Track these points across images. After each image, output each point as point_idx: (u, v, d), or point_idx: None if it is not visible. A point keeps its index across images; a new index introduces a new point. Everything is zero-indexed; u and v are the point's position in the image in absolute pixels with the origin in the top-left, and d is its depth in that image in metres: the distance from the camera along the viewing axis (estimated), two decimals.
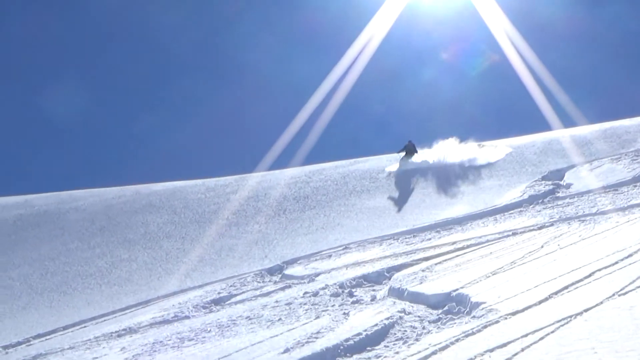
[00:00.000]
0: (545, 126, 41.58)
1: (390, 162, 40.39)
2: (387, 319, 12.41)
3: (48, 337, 18.85)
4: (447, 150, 37.04)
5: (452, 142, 38.25)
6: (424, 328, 11.73)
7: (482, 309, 11.92)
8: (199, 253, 27.47)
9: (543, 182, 29.75)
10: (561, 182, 29.31)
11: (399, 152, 39.06)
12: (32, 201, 43.41)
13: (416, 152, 37.96)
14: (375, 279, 17.60)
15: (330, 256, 22.67)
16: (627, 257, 14.08)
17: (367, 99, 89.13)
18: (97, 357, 14.52)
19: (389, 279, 17.00)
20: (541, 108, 41.07)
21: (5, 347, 18.27)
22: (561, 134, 40.33)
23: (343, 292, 16.37)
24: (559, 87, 45.28)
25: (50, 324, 20.43)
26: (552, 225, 20.89)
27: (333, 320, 13.23)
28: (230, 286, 20.24)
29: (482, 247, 19.19)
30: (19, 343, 18.54)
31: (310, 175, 39.96)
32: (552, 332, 9.97)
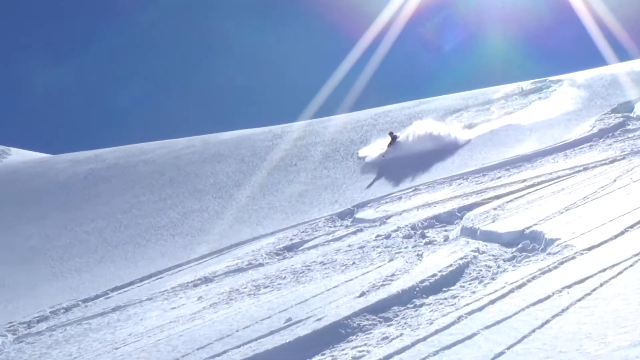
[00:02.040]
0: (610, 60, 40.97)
1: (456, 101, 40.06)
2: (461, 259, 12.33)
3: (125, 289, 19.19)
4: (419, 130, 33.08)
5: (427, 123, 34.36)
6: (499, 267, 11.64)
7: (557, 245, 11.78)
8: (269, 200, 27.61)
9: (612, 115, 29.01)
10: (631, 115, 28.58)
11: (388, 145, 32.79)
12: (102, 155, 44.04)
13: (397, 137, 32.97)
14: (446, 219, 17.46)
15: (400, 198, 22.58)
16: None
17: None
18: (175, 307, 14.75)
19: (461, 219, 16.86)
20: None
21: (85, 301, 18.65)
22: (629, 67, 39.42)
23: (415, 233, 16.29)
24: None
25: (127, 276, 20.78)
26: (623, 158, 20.44)
27: (407, 262, 13.20)
28: (302, 232, 20.31)
29: (553, 183, 18.90)
30: (98, 296, 18.92)
31: (377, 118, 39.78)
32: (630, 266, 9.83)
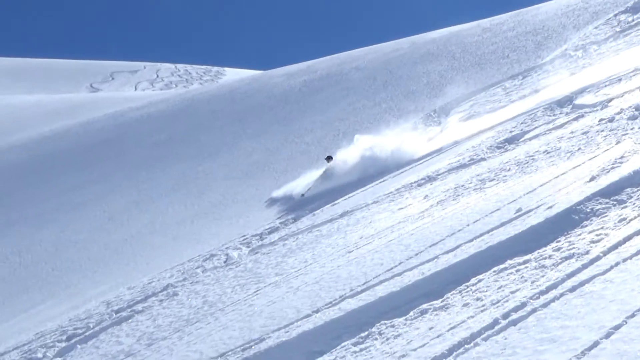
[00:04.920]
0: None
1: None
2: None
3: (351, 194, 19.61)
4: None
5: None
6: None
7: None
8: (484, 95, 27.25)
9: None
10: None
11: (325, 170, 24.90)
12: (314, 66, 44.69)
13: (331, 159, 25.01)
14: None
15: (619, 80, 21.70)
16: None
17: None
18: (402, 208, 14.96)
19: None
20: None
21: (312, 210, 19.27)
22: None
23: None
24: None
25: (353, 182, 21.24)
26: None
27: (635, 143, 12.75)
28: (521, 123, 19.94)
29: None
30: (326, 202, 19.49)
31: (587, 1, 38.13)
32: None
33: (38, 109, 60.11)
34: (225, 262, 16.24)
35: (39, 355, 13.64)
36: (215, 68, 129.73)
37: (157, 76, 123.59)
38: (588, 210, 9.83)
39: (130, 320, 13.83)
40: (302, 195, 22.70)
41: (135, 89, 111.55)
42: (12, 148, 45.89)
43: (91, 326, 14.32)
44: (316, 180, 23.59)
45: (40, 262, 26.27)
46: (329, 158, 24.75)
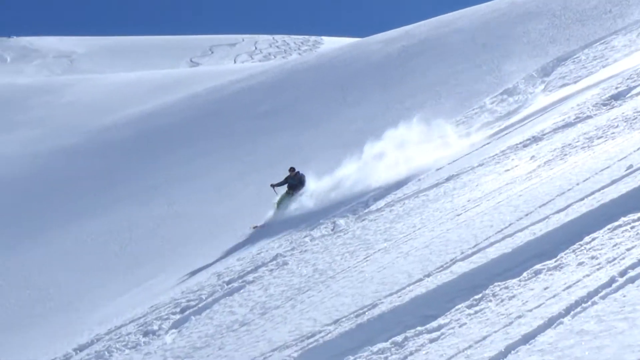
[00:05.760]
0: None
1: None
2: None
3: (455, 159, 19.46)
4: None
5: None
6: None
7: None
8: (587, 52, 26.69)
9: None
10: None
11: (274, 185, 23.75)
12: (412, 31, 44.37)
13: (302, 185, 23.31)
14: None
15: None
16: None
17: None
18: (508, 169, 14.81)
19: None
20: None
21: (416, 175, 19.21)
22: None
23: None
24: None
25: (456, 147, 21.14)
26: None
27: None
28: (627, 79, 19.46)
29: None
30: (428, 169, 19.43)
31: None
32: None
33: (140, 86, 61.20)
34: (332, 230, 16.37)
35: (155, 327, 14.00)
36: (312, 37, 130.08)
37: (256, 48, 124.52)
38: None
39: (242, 291, 14.08)
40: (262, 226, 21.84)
41: (235, 61, 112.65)
42: (117, 125, 46.88)
43: (204, 298, 14.64)
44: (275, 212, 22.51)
45: (150, 236, 26.94)
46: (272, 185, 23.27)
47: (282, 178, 23.33)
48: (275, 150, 31.77)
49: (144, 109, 49.32)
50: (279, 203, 22.75)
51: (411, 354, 7.57)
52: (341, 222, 16.64)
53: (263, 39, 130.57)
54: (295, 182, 22.94)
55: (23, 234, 31.15)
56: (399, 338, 8.10)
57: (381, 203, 17.25)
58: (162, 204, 29.97)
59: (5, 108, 57.58)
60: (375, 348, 8.15)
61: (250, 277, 14.79)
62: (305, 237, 16.74)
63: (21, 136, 49.85)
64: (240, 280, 14.86)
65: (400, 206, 15.87)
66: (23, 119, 54.64)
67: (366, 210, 17.08)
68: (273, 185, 23.25)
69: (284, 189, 23.21)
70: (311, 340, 9.45)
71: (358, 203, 18.42)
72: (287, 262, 14.84)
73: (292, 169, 23.22)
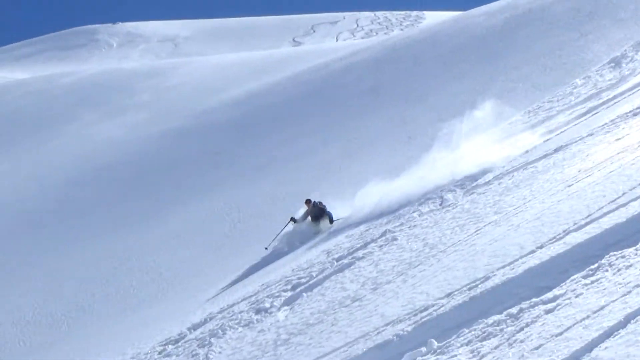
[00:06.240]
0: None
1: None
2: None
3: (563, 130, 19.17)
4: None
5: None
6: None
7: None
8: None
9: None
10: None
11: (294, 221, 22.77)
12: (515, 2, 43.58)
13: (325, 213, 22.33)
14: None
15: None
16: None
17: None
18: (619, 138, 14.47)
19: None
20: None
21: (522, 148, 18.96)
22: None
23: None
24: None
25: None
26: None
27: None
28: None
29: None
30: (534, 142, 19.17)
31: None
32: None
33: (244, 66, 61.68)
34: (440, 204, 16.33)
35: (267, 305, 14.21)
36: (414, 12, 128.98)
37: (357, 25, 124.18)
38: None
39: (352, 267, 14.18)
40: (266, 249, 21.93)
41: (337, 39, 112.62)
42: (223, 106, 47.42)
43: (314, 275, 14.78)
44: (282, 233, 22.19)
45: (258, 215, 27.33)
46: (292, 219, 22.41)
47: (301, 213, 22.65)
48: (380, 127, 31.77)
49: (248, 90, 49.75)
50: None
51: (527, 325, 7.56)
52: (449, 196, 16.57)
53: (364, 15, 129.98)
54: (316, 212, 22.04)
55: (136, 217, 31.96)
56: (514, 310, 8.09)
57: (489, 176, 17.06)
58: (269, 183, 30.32)
59: (112, 93, 58.78)
60: (490, 320, 8.16)
61: (359, 254, 14.87)
62: (413, 212, 16.73)
63: (129, 120, 50.91)
64: (350, 257, 14.96)
65: (509, 179, 15.70)
66: (130, 103, 55.73)
67: (474, 184, 16.92)
68: (295, 220, 22.37)
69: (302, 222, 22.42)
70: (424, 314, 9.51)
71: (465, 177, 18.25)
72: (396, 237, 14.86)
73: (308, 201, 22.51)
